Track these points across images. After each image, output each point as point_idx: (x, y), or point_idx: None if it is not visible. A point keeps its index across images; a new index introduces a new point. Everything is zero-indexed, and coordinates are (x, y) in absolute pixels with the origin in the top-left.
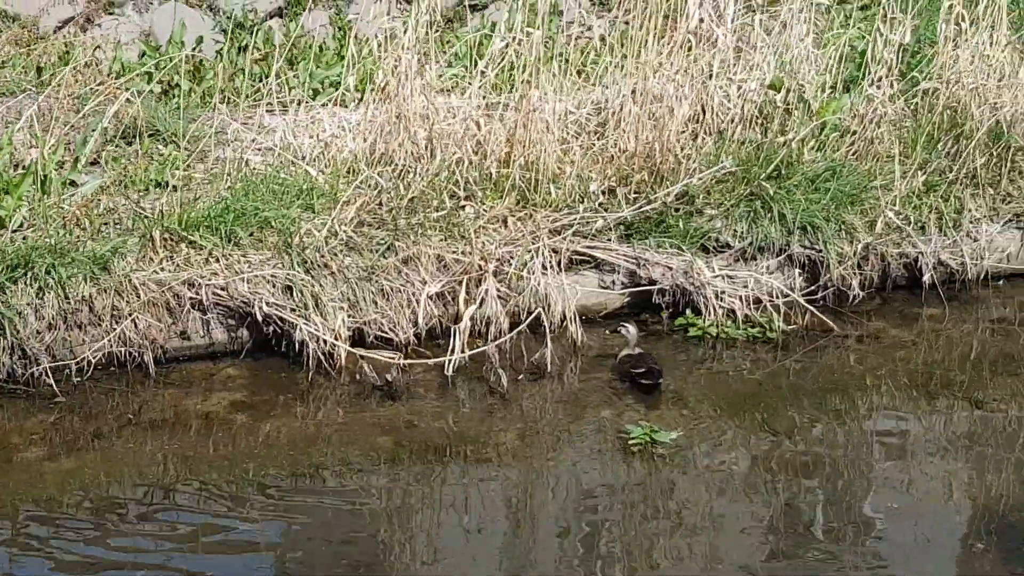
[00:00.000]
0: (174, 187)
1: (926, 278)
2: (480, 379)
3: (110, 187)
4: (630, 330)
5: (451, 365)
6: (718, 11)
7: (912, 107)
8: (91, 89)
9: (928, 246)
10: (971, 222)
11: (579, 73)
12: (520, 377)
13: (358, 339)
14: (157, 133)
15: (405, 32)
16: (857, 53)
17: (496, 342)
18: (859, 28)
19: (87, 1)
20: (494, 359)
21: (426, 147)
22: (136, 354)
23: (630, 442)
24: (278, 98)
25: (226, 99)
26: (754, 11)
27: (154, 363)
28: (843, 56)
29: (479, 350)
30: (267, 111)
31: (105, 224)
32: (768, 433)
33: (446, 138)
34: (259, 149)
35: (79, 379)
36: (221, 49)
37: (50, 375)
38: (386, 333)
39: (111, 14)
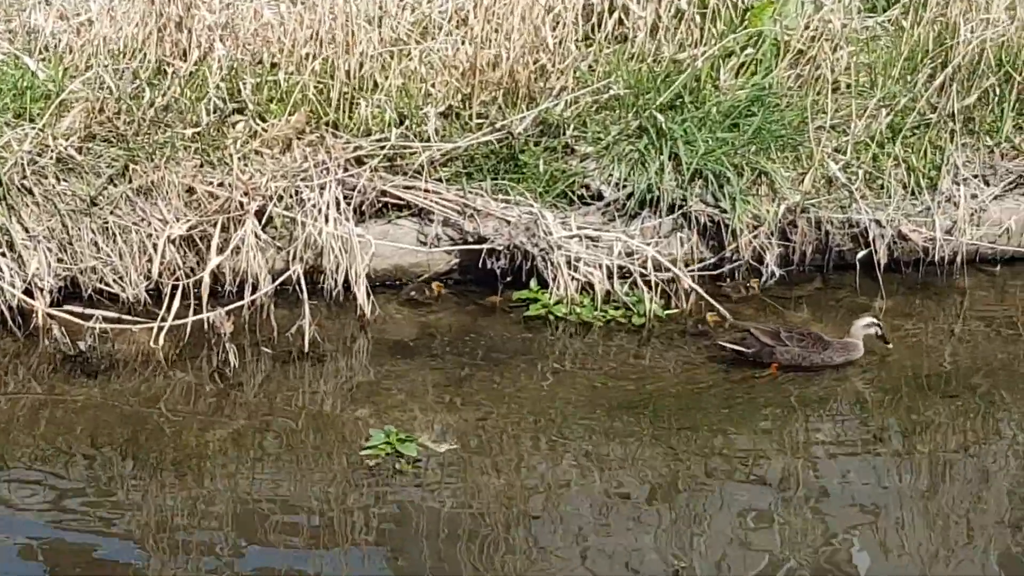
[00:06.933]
0: None
1: (879, 256)
2: (209, 355)
3: None
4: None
5: (162, 334)
6: None
7: (891, 23)
8: None
9: (884, 212)
10: (956, 182)
11: None
12: (268, 352)
13: (72, 292)
14: None
15: None
16: None
17: (229, 307)
18: None
19: None
20: (223, 329)
21: (190, 41)
22: None
23: (362, 452)
24: None
25: None
26: None
27: None
28: None
29: (204, 316)
30: None
31: None
32: (550, 460)
33: (220, 31)
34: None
35: None
36: None
37: None
38: (110, 286)
39: None
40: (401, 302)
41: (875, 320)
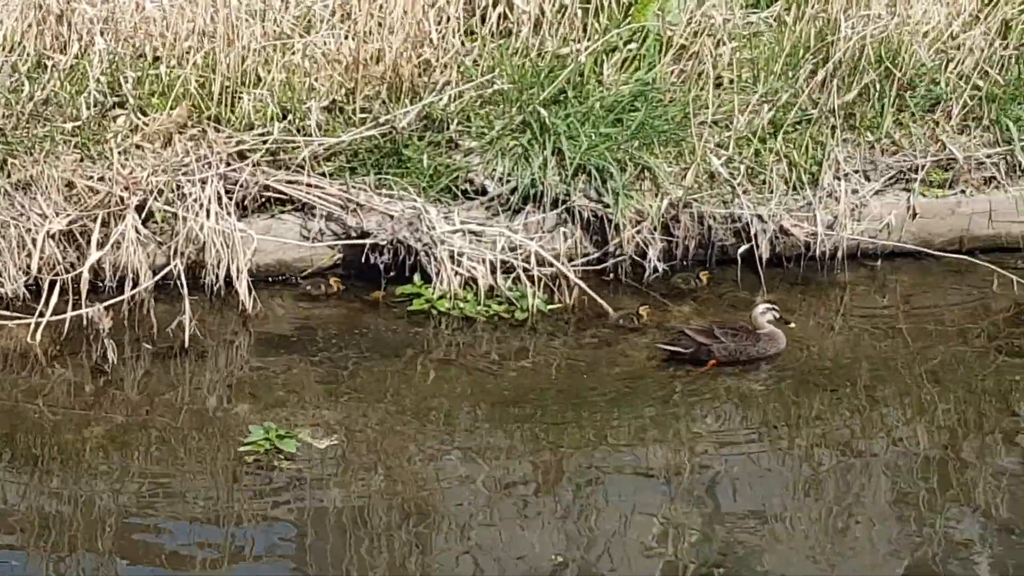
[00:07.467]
0: None
1: (761, 251)
2: (88, 351)
3: None
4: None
5: (40, 329)
6: None
7: (773, 18)
8: None
9: (766, 207)
10: (837, 177)
11: None
12: (148, 348)
13: None
14: None
15: None
16: None
17: (108, 303)
18: None
19: None
20: (102, 325)
21: (70, 34)
22: None
23: (241, 448)
24: None
25: None
26: None
27: None
28: None
29: (83, 312)
30: None
31: None
32: (434, 455)
33: (101, 24)
34: None
35: None
36: None
37: None
38: None
39: None
40: (292, 297)
41: (770, 304)
